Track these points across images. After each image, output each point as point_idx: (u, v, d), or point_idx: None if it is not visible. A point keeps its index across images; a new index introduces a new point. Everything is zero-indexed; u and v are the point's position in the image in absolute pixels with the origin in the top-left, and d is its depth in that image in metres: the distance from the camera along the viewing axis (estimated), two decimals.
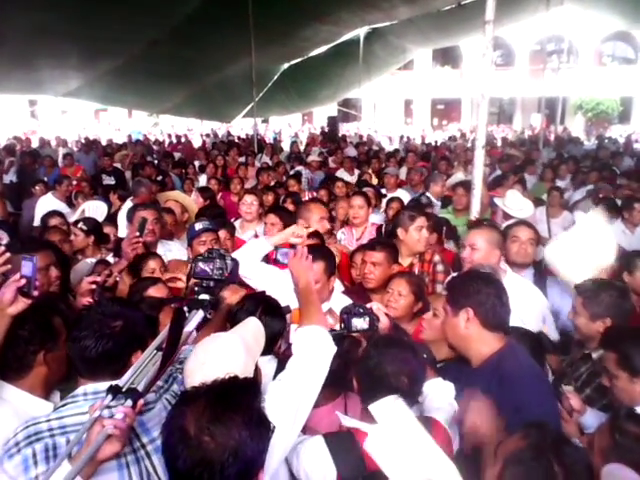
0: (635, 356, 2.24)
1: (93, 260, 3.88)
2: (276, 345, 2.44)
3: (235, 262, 2.01)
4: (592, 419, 2.38)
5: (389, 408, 1.89)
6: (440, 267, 3.84)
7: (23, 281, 1.93)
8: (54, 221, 4.82)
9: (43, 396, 2.09)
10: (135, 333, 1.84)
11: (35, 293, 1.99)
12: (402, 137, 21.37)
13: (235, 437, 1.31)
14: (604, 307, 2.80)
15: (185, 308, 1.82)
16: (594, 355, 2.78)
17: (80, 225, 4.45)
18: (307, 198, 7.06)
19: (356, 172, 9.74)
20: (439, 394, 2.25)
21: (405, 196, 7.07)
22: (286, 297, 2.94)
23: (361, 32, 16.40)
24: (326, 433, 2.02)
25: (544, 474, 1.46)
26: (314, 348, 1.93)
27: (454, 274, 3.59)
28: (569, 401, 2.34)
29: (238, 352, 1.91)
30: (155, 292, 2.87)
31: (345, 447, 1.90)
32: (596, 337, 2.76)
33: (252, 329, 2.02)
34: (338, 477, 1.85)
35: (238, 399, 1.39)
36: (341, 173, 9.56)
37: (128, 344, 1.80)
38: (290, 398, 1.81)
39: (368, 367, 2.02)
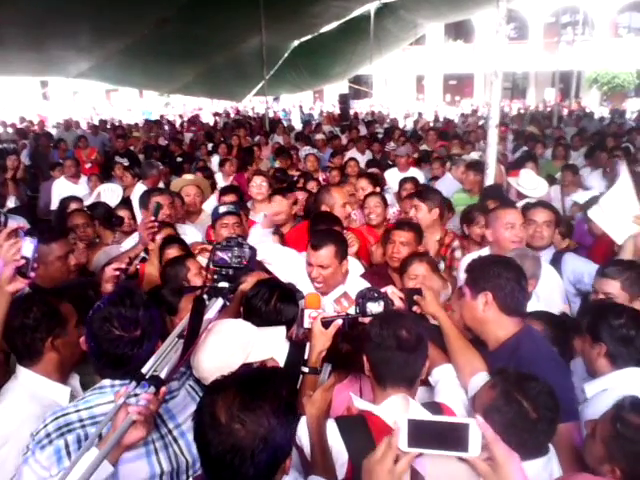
0: (599, 322, 2.34)
1: (123, 246, 3.91)
2: (289, 330, 2.47)
3: (253, 250, 2.02)
4: None
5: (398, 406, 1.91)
6: (458, 253, 3.82)
7: (22, 261, 2.00)
8: (74, 205, 4.91)
9: (60, 380, 2.15)
10: (153, 334, 1.86)
11: (32, 274, 2.05)
12: (420, 115, 21.08)
13: (264, 425, 1.34)
14: None
15: (205, 296, 1.84)
16: None
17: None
18: (321, 178, 7.07)
19: (367, 152, 9.67)
20: (450, 380, 2.27)
21: (419, 175, 7.03)
22: (303, 281, 2.98)
23: (372, 7, 16.17)
24: (338, 416, 2.03)
25: (517, 414, 1.72)
26: None
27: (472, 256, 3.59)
28: None
29: (243, 337, 1.96)
30: (192, 264, 2.95)
31: (357, 431, 1.91)
32: None
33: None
34: (349, 461, 1.86)
35: (266, 387, 1.41)
36: (353, 153, 9.49)
37: (147, 348, 1.81)
38: None
39: (371, 333, 2.01)
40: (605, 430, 1.83)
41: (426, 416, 1.45)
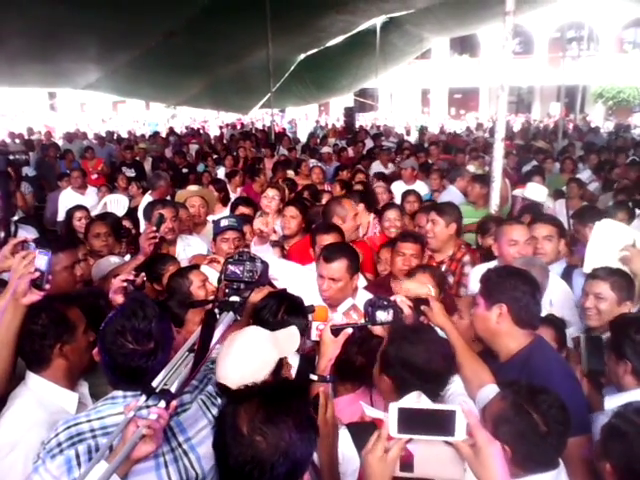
0: (620, 338, 2.29)
1: (116, 259, 3.90)
2: None
3: (265, 265, 2.02)
4: None
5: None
6: (467, 269, 3.76)
7: (37, 274, 2.01)
8: (79, 214, 4.94)
9: (68, 386, 2.14)
10: (166, 345, 1.85)
11: (47, 287, 2.05)
12: (424, 128, 21.13)
13: (286, 439, 1.35)
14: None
15: (216, 310, 1.84)
16: None
17: None
18: (326, 189, 7.06)
19: (390, 166, 9.59)
20: (461, 390, 2.26)
21: (423, 188, 7.04)
22: (310, 295, 2.96)
23: (378, 22, 16.24)
24: (350, 423, 2.04)
25: (527, 426, 1.72)
26: None
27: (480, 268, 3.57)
28: None
29: (264, 343, 1.93)
30: (195, 277, 2.93)
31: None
32: None
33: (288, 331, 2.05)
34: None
35: (290, 402, 1.42)
36: (377, 166, 9.40)
37: (160, 360, 1.80)
38: None
39: (391, 351, 2.02)
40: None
41: (415, 404, 1.53)
